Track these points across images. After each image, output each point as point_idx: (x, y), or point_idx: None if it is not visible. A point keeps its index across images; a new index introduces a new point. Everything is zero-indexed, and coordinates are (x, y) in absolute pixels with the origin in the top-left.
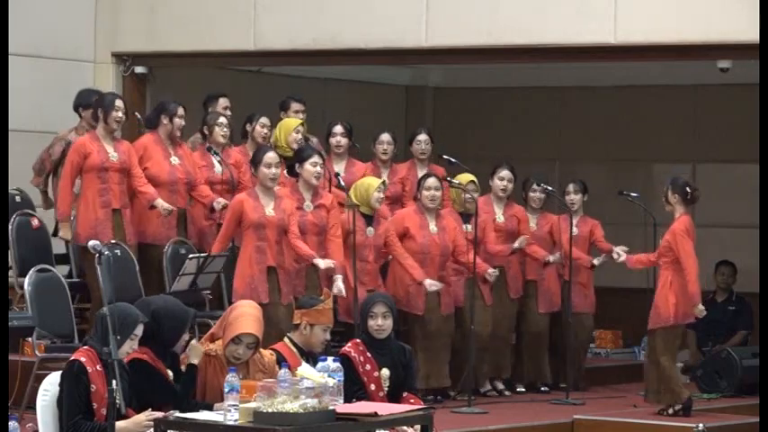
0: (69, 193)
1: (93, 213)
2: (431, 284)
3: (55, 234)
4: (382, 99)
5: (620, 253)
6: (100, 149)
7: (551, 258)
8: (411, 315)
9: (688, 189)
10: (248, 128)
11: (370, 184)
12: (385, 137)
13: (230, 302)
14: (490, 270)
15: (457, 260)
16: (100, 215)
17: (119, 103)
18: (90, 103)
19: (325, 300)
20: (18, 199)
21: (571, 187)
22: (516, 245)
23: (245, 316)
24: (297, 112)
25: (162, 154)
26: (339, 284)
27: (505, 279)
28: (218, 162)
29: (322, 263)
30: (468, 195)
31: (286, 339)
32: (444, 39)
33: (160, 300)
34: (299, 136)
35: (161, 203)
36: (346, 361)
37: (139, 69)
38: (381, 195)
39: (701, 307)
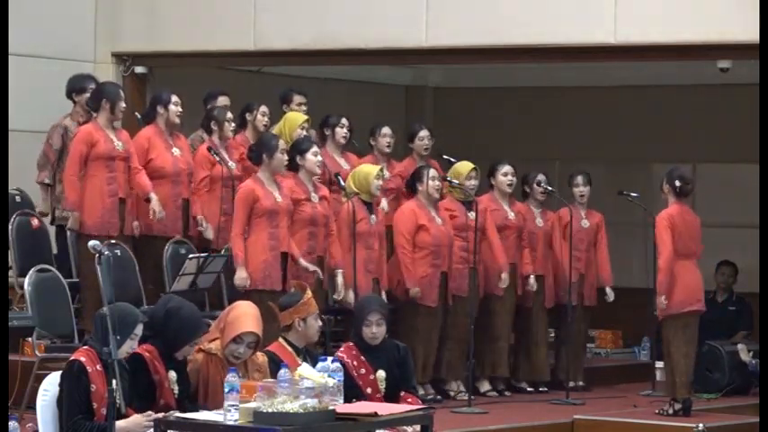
0: (78, 182)
1: (100, 202)
2: (416, 292)
3: (58, 225)
4: (382, 99)
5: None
6: (106, 138)
7: (503, 277)
8: (419, 306)
9: (678, 182)
10: (248, 117)
11: (369, 172)
12: (387, 130)
13: (230, 301)
14: (503, 275)
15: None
16: (107, 204)
17: (122, 93)
18: (83, 88)
19: (304, 293)
20: (18, 199)
21: (580, 179)
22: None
23: (246, 315)
24: (300, 104)
25: (164, 146)
26: (339, 281)
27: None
28: (219, 162)
29: (311, 267)
30: (470, 182)
31: (281, 340)
32: (444, 39)
33: (179, 301)
34: (304, 133)
35: (155, 204)
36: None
37: (139, 69)
38: (380, 182)
39: (661, 299)
